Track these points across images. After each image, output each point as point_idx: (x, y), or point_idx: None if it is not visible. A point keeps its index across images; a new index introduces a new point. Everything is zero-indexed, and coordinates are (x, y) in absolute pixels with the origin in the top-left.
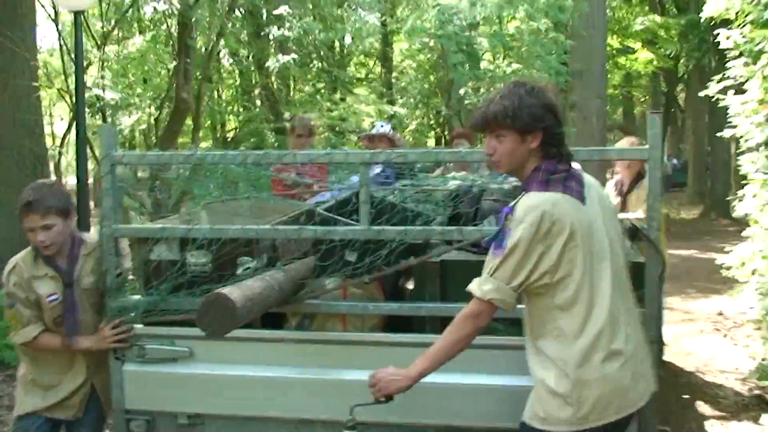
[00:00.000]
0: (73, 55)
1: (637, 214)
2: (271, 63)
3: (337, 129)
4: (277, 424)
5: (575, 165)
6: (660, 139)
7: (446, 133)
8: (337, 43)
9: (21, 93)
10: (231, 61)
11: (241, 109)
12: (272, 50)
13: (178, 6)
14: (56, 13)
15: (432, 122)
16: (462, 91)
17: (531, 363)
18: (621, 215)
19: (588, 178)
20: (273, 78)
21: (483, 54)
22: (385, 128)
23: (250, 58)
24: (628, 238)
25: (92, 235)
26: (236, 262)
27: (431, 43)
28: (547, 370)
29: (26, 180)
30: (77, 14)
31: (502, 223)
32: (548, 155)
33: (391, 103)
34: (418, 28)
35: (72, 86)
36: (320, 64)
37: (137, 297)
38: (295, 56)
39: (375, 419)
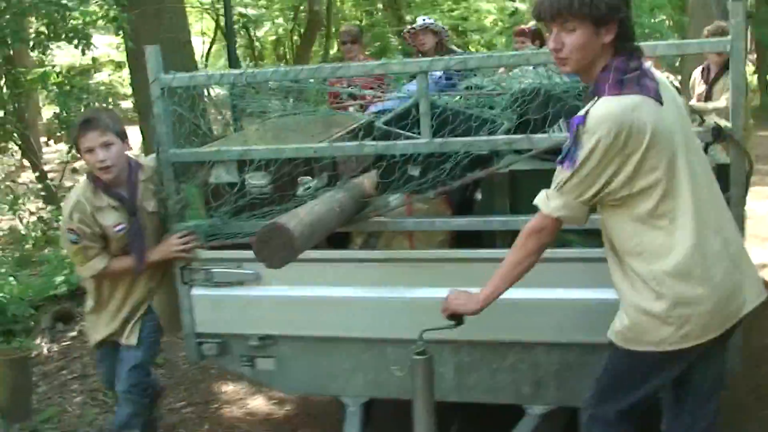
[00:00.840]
0: None
1: (720, 102)
2: None
3: (459, 28)
4: (347, 343)
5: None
6: (743, 28)
7: None
8: None
9: (168, 11)
10: None
11: (363, 14)
12: None
13: None
14: None
15: None
16: None
17: (617, 281)
18: (703, 104)
19: (659, 75)
20: None
21: None
22: (428, 20)
23: None
24: (711, 137)
25: (148, 159)
26: (296, 182)
27: None
28: (637, 290)
29: None
30: None
31: (572, 134)
32: (620, 51)
33: None
34: None
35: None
36: None
37: (200, 221)
38: None
39: (446, 337)
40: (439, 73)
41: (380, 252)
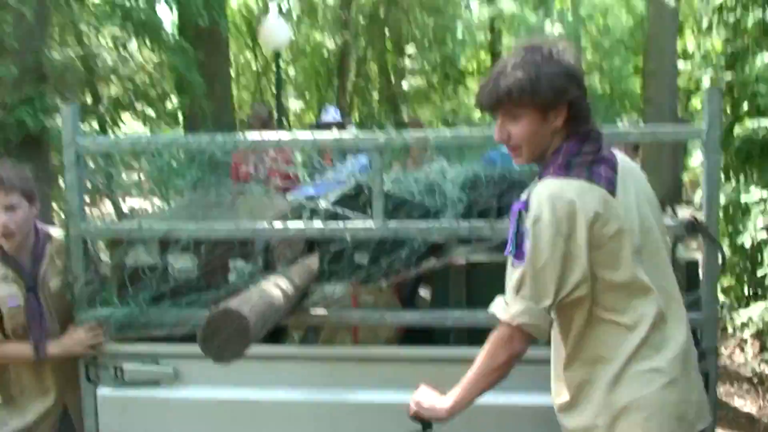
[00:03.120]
0: None
1: None
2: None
3: (449, 121)
4: None
5: (614, 150)
6: (719, 116)
7: None
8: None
9: None
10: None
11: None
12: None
13: None
14: None
15: None
16: None
17: (554, 386)
18: None
19: (625, 163)
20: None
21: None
22: (336, 116)
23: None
24: (684, 231)
25: (59, 231)
26: (227, 266)
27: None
28: (570, 393)
29: None
30: None
31: (514, 223)
32: (573, 134)
33: None
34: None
35: None
36: (435, 58)
37: (111, 309)
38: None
39: None
40: (365, 160)
41: (321, 349)
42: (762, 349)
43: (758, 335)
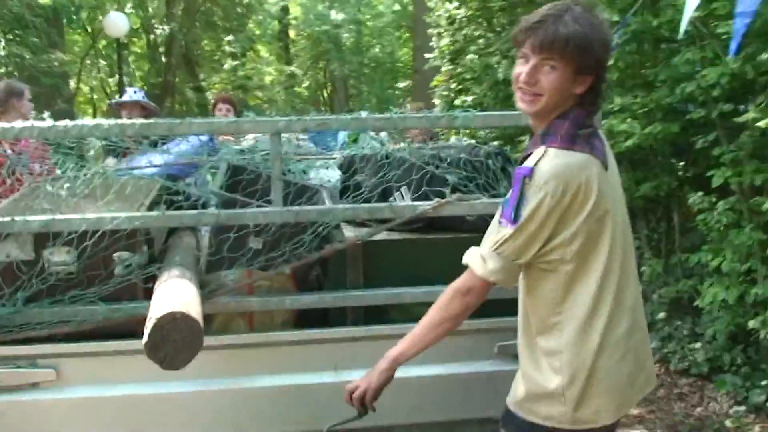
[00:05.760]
0: None
1: None
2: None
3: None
4: None
5: None
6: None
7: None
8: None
9: None
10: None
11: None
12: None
13: None
14: None
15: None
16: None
17: (520, 351)
18: None
19: (605, 140)
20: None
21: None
22: (138, 95)
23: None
24: None
25: None
26: (110, 259)
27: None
28: (534, 360)
29: None
30: None
31: (517, 187)
32: (584, 105)
33: (288, 63)
34: None
35: None
36: (226, 24)
37: None
38: None
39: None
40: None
41: (214, 337)
42: None
43: None
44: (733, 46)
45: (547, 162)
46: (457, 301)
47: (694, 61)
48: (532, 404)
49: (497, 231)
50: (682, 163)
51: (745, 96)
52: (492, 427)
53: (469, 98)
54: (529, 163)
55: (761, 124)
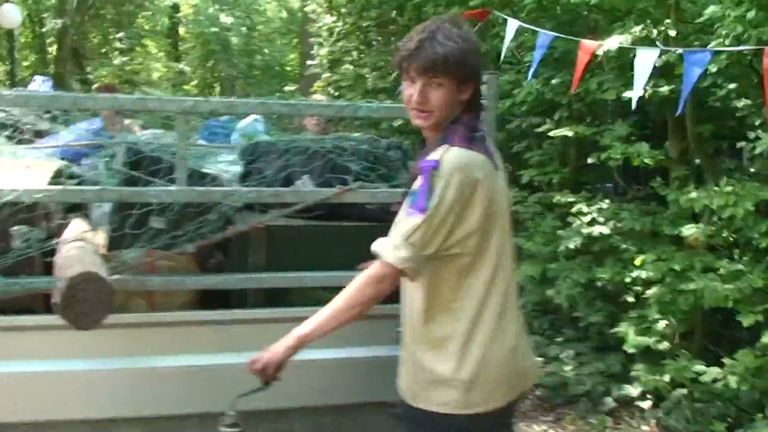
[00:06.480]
0: None
1: None
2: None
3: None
4: (70, 427)
5: None
6: (495, 100)
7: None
8: None
9: None
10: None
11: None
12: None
13: None
14: None
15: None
16: None
17: (408, 339)
18: None
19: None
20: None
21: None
22: (47, 84)
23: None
24: None
25: None
26: (8, 233)
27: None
28: (425, 348)
29: None
30: None
31: (426, 178)
32: (471, 109)
33: (177, 60)
34: None
35: None
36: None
37: None
38: None
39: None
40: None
41: (114, 316)
42: None
43: None
44: (530, 72)
45: (452, 156)
46: (371, 288)
47: (512, 82)
48: (427, 392)
49: (407, 221)
50: None
51: (547, 112)
52: (388, 410)
53: None
54: (433, 156)
55: (552, 134)
